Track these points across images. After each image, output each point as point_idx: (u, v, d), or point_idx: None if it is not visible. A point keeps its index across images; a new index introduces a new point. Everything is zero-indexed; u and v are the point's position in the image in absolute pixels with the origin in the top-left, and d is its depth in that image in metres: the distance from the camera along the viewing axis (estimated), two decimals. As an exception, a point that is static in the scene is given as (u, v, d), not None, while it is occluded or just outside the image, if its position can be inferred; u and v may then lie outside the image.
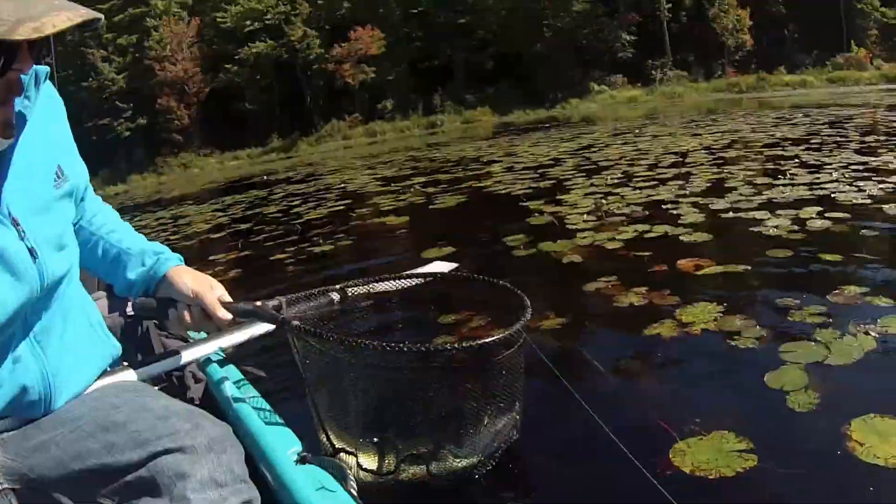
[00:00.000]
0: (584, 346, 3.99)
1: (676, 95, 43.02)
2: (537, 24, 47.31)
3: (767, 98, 33.56)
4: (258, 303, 2.20)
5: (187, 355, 2.43)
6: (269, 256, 8.15)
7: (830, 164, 9.14)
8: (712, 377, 3.49)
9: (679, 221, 6.74)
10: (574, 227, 7.16)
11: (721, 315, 4.10)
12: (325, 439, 2.39)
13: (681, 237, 6.19)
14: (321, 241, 8.58)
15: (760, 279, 4.84)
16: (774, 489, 2.47)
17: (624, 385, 3.50)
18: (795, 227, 5.97)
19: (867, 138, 11.85)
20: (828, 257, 5.02)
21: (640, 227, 6.69)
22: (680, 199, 7.81)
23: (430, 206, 10.45)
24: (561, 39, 47.15)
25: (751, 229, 6.15)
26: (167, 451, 1.54)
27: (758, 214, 6.62)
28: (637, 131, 19.04)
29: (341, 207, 11.97)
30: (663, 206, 7.57)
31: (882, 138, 11.66)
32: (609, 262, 5.72)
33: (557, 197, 9.16)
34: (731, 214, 6.84)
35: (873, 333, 3.55)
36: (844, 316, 3.84)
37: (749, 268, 5.02)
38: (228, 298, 2.10)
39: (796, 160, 9.82)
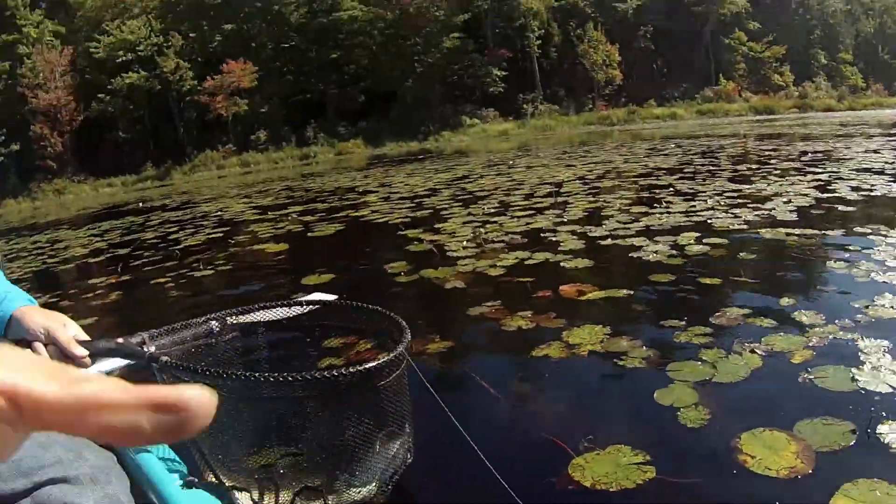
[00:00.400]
0: (473, 369, 3.93)
1: (548, 128, 44.07)
2: (408, 59, 47.58)
3: (638, 130, 34.72)
4: (120, 339, 2.05)
5: None
6: (149, 280, 7.84)
7: (705, 192, 9.46)
8: (603, 396, 3.52)
9: (559, 248, 6.78)
10: (454, 254, 7.10)
11: (607, 337, 4.12)
12: (213, 479, 2.24)
13: (562, 264, 6.21)
14: (201, 266, 8.29)
15: (643, 303, 4.89)
16: (677, 499, 2.50)
17: (516, 406, 3.47)
18: (674, 253, 6.10)
19: (739, 167, 12.38)
20: (708, 281, 5.14)
21: (521, 255, 6.69)
22: (558, 228, 7.89)
23: (309, 234, 10.26)
24: (432, 74, 47.53)
25: (630, 255, 6.24)
26: (52, 482, 1.50)
27: (636, 241, 6.73)
28: (511, 162, 19.26)
29: (219, 235, 11.61)
30: (542, 234, 7.62)
31: (754, 167, 12.22)
32: (492, 288, 5.69)
33: (436, 226, 9.13)
34: (609, 241, 6.92)
35: (759, 352, 3.64)
36: (728, 336, 3.94)
37: (631, 292, 5.07)
38: (85, 336, 1.93)
39: (671, 189, 10.13)
